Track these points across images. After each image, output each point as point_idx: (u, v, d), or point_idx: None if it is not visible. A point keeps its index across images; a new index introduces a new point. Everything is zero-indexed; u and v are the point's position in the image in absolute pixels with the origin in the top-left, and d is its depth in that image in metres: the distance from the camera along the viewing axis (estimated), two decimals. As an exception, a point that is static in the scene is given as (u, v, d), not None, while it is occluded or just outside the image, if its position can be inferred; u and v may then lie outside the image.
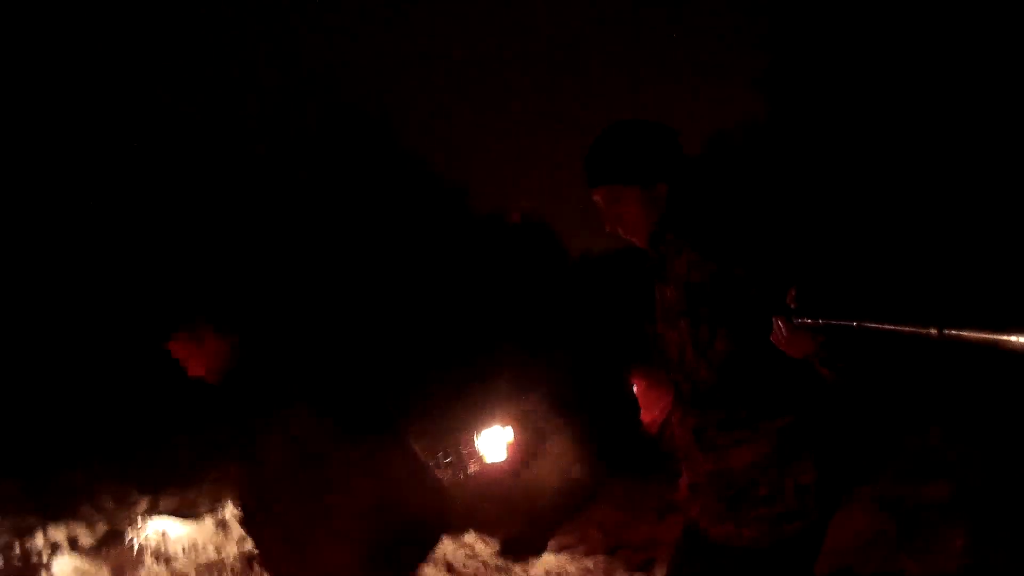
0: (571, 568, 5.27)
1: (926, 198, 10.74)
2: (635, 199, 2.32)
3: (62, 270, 14.55)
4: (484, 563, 5.52)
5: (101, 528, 6.46)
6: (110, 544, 5.98)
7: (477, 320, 12.65)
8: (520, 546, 5.71)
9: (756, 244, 2.19)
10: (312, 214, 19.17)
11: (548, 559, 5.45)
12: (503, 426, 6.94)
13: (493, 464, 6.83)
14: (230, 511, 6.53)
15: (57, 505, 7.06)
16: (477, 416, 7.05)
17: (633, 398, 2.79)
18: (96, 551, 5.94)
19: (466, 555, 5.62)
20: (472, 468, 6.81)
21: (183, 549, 5.74)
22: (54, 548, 6.07)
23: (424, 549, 3.26)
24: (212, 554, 5.82)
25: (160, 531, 5.81)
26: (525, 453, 6.86)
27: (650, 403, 2.67)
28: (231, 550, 5.88)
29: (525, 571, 5.36)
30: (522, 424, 7.02)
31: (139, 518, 6.10)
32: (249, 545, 6.03)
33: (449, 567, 5.42)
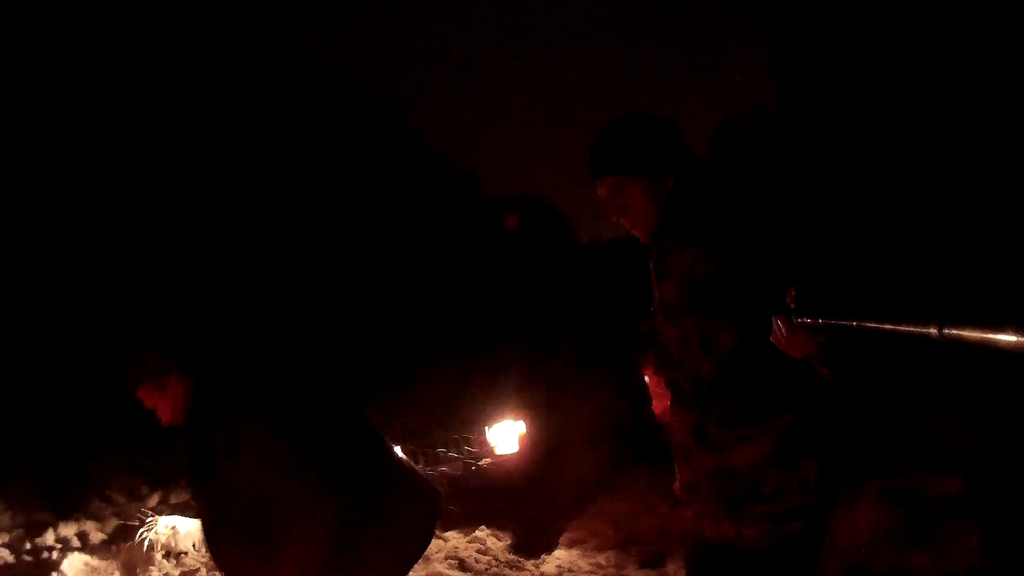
0: (582, 563, 5.25)
1: (926, 197, 10.69)
2: (641, 190, 2.32)
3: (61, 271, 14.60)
4: (495, 559, 5.50)
5: (111, 524, 6.47)
6: (120, 540, 5.97)
7: (486, 310, 12.64)
8: (532, 541, 5.69)
9: (761, 239, 2.18)
10: (321, 206, 19.17)
11: (560, 554, 5.43)
12: (515, 419, 6.90)
13: (505, 457, 6.79)
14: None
15: (68, 500, 7.08)
16: (488, 409, 7.01)
17: (644, 388, 2.77)
18: (106, 548, 5.94)
19: (477, 551, 5.60)
20: (483, 462, 6.78)
21: (193, 545, 5.72)
22: (64, 545, 6.08)
23: None
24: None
25: (170, 527, 5.79)
26: (537, 446, 6.83)
27: (661, 393, 2.64)
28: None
29: (536, 567, 5.33)
30: (533, 416, 6.99)
31: (149, 513, 6.08)
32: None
33: (461, 563, 5.40)
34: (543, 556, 5.47)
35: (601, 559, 5.25)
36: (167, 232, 16.61)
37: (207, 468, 2.74)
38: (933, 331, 1.45)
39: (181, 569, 5.51)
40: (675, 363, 2.34)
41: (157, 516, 5.98)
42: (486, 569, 5.34)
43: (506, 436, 6.87)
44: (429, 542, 3.07)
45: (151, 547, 5.60)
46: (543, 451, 6.84)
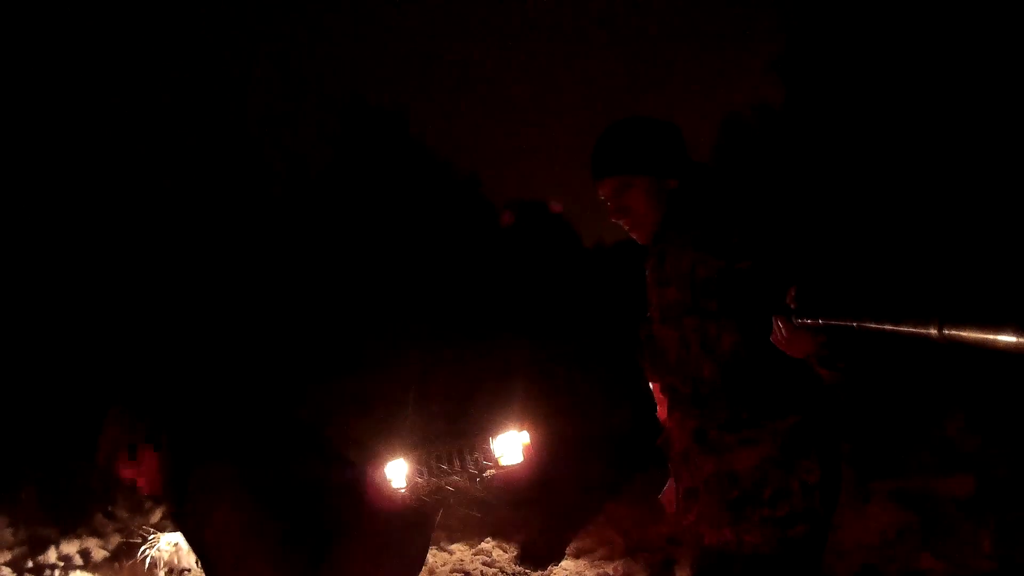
0: (590, 573, 5.23)
1: (927, 196, 10.66)
2: (643, 191, 2.33)
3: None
4: (502, 570, 5.47)
5: (114, 541, 6.43)
6: (123, 558, 5.94)
7: (488, 316, 12.61)
8: (538, 552, 5.65)
9: (762, 240, 2.18)
10: (322, 211, 19.18)
11: (567, 565, 5.39)
12: (519, 429, 6.84)
13: (509, 467, 6.73)
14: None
15: (71, 516, 7.05)
16: (491, 419, 6.96)
17: (649, 393, 2.74)
18: (109, 565, 5.93)
19: (483, 563, 5.56)
20: (488, 473, 6.72)
21: (196, 562, 5.68)
22: (67, 562, 6.05)
23: None
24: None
25: (173, 544, 5.76)
26: (541, 455, 6.77)
27: (663, 398, 2.61)
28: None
29: (543, 578, 5.29)
30: (537, 425, 6.93)
31: (152, 530, 6.05)
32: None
33: (466, 575, 5.36)
34: (550, 567, 5.43)
35: (609, 568, 5.21)
36: (166, 238, 16.63)
37: (184, 519, 2.80)
38: (933, 331, 1.45)
39: (184, 586, 5.49)
40: (673, 367, 2.34)
41: (160, 533, 5.95)
42: (492, 580, 5.31)
43: (510, 446, 6.79)
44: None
45: (154, 564, 5.57)
46: (548, 460, 6.77)
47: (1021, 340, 1.27)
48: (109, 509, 7.34)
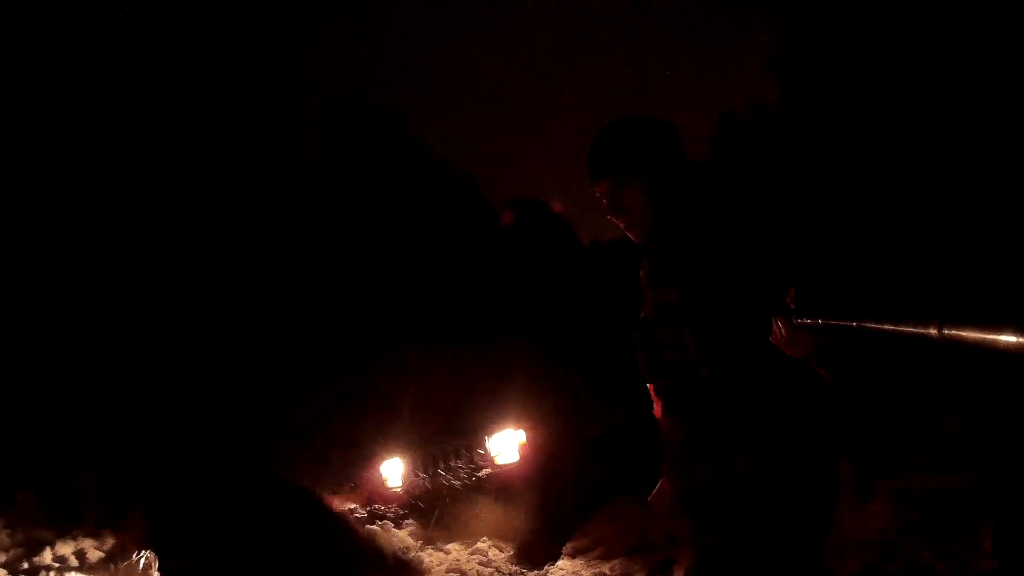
0: (587, 573, 5.21)
1: (926, 196, 10.65)
2: (639, 192, 2.30)
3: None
4: (498, 570, 5.45)
5: (109, 542, 6.41)
6: (118, 559, 5.92)
7: (486, 316, 12.60)
8: (535, 551, 5.64)
9: (761, 240, 2.16)
10: (320, 213, 19.17)
11: (564, 564, 5.38)
12: (515, 428, 6.85)
13: (505, 466, 6.74)
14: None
15: (67, 515, 7.03)
16: (488, 418, 6.96)
17: (646, 393, 2.73)
18: (104, 566, 5.90)
19: (480, 563, 5.55)
20: (484, 472, 6.72)
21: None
22: (63, 564, 6.03)
23: None
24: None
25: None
26: (538, 454, 6.77)
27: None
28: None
29: (540, 578, 5.28)
30: (534, 425, 6.93)
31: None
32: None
33: (462, 575, 5.34)
34: (547, 566, 5.42)
35: (606, 568, 5.19)
36: (166, 238, 16.63)
37: None
38: (933, 331, 1.42)
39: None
40: (669, 369, 2.31)
41: (155, 534, 5.94)
42: (488, 581, 5.30)
43: (507, 445, 6.81)
44: None
45: (148, 565, 5.56)
46: (544, 459, 6.78)
47: (1021, 340, 1.24)
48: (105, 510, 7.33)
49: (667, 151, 2.32)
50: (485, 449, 6.82)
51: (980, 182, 10.13)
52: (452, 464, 6.85)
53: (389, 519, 6.39)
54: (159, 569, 5.49)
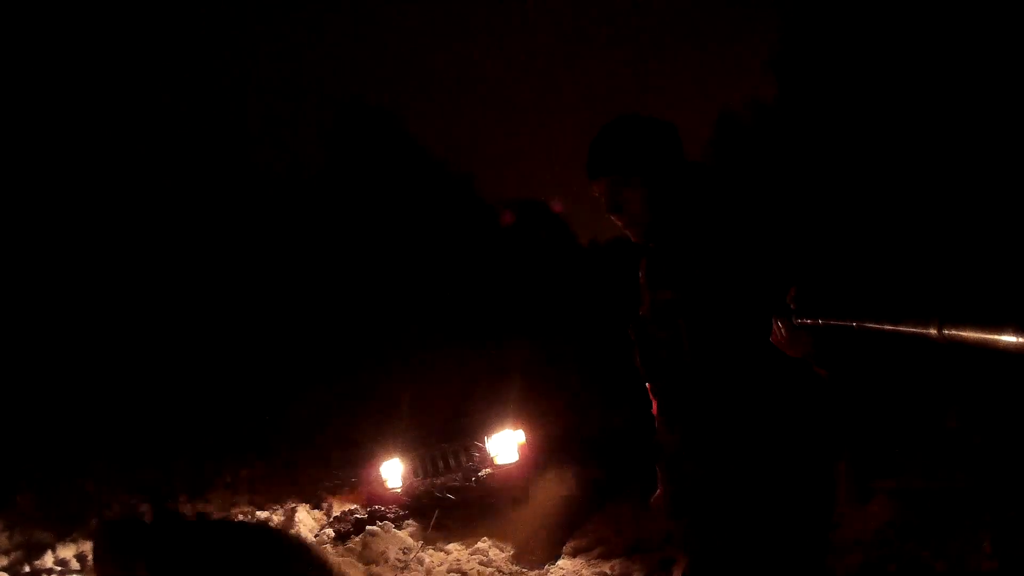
0: (587, 573, 5.20)
1: (926, 195, 10.66)
2: (638, 191, 2.30)
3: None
4: (498, 570, 5.44)
5: (111, 544, 6.40)
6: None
7: (484, 315, 12.61)
8: (535, 551, 5.63)
9: (760, 240, 2.16)
10: (319, 214, 19.16)
11: (564, 564, 5.38)
12: (514, 428, 6.85)
13: (505, 467, 6.74)
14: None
15: (67, 518, 7.03)
16: (486, 418, 6.96)
17: (646, 392, 2.74)
18: (104, 569, 5.88)
19: (480, 563, 5.54)
20: (483, 472, 6.72)
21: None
22: (64, 567, 6.02)
23: None
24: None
25: (168, 547, 5.73)
26: (537, 454, 6.77)
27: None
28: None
29: (540, 578, 5.27)
30: (533, 424, 6.94)
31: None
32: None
33: (463, 575, 5.33)
34: (547, 566, 5.42)
35: (606, 567, 5.19)
36: (166, 238, 16.62)
37: None
38: (933, 331, 1.43)
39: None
40: (666, 368, 2.32)
41: (155, 536, 5.92)
42: (488, 581, 5.29)
43: (506, 445, 6.81)
44: None
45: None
46: (544, 459, 6.78)
47: (1021, 340, 1.25)
48: (105, 513, 7.32)
49: (666, 151, 2.32)
50: (484, 449, 6.82)
51: (980, 182, 10.14)
52: (452, 464, 6.85)
53: (389, 520, 6.39)
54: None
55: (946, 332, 1.39)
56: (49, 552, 6.19)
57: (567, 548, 5.58)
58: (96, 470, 8.67)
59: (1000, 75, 11.01)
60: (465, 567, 5.48)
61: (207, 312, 15.15)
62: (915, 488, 5.11)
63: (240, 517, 6.63)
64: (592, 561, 5.33)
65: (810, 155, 13.23)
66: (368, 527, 6.18)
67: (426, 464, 6.93)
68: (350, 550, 5.93)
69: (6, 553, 6.32)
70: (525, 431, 6.85)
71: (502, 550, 5.77)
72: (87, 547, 6.33)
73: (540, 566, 5.42)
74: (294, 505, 6.96)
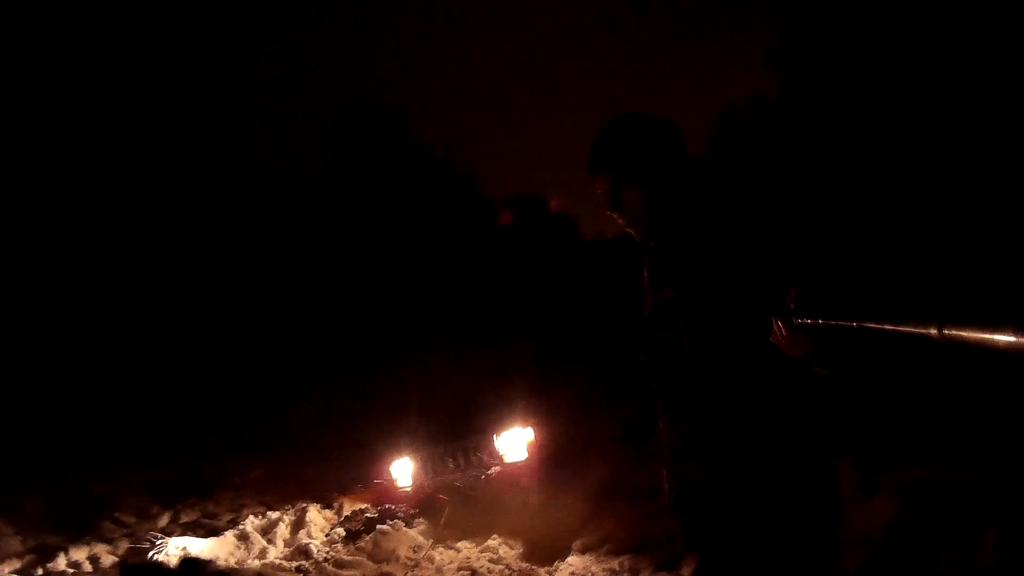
0: (596, 569, 5.21)
1: (926, 195, 10.63)
2: (638, 189, 2.31)
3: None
4: (508, 567, 5.47)
5: (122, 546, 6.45)
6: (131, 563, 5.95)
7: (490, 314, 12.61)
8: (544, 548, 5.66)
9: (760, 239, 2.16)
10: (322, 214, 19.15)
11: (573, 560, 5.39)
12: (523, 426, 6.86)
13: (514, 464, 6.75)
14: (251, 523, 6.52)
15: (78, 522, 7.07)
16: (495, 416, 6.97)
17: (652, 390, 2.75)
18: (117, 570, 5.92)
19: (490, 560, 5.57)
20: (493, 470, 6.74)
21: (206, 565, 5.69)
22: (76, 569, 6.06)
23: None
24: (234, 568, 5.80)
25: (181, 548, 5.78)
26: (546, 452, 6.79)
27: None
28: (253, 563, 5.84)
29: (550, 574, 5.30)
30: (541, 422, 6.95)
31: (159, 535, 6.08)
32: (270, 556, 6.02)
33: (473, 573, 5.36)
34: (556, 563, 5.43)
35: (615, 564, 5.20)
36: (168, 238, 16.63)
37: None
38: (933, 331, 1.42)
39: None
40: (667, 368, 2.32)
41: (167, 537, 5.98)
42: (499, 578, 5.32)
43: (515, 443, 6.82)
44: None
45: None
46: (553, 457, 6.80)
47: (1021, 340, 1.25)
48: (116, 515, 7.36)
49: (666, 149, 2.32)
50: (493, 447, 6.83)
51: (980, 182, 10.12)
52: (461, 463, 6.87)
53: (400, 518, 6.42)
54: None
55: (946, 332, 1.38)
56: (61, 555, 6.23)
57: (576, 545, 5.59)
58: (105, 473, 8.71)
59: (1001, 75, 10.99)
60: (475, 565, 5.51)
61: (213, 313, 15.17)
62: (920, 483, 5.10)
63: (250, 518, 6.66)
64: (601, 558, 5.34)
65: (811, 152, 13.20)
66: (379, 526, 6.21)
67: (436, 463, 6.95)
68: (361, 549, 5.96)
69: (19, 557, 6.36)
70: (534, 429, 6.87)
71: (512, 547, 5.79)
72: (99, 549, 6.38)
73: (550, 563, 5.44)
74: (304, 505, 7.00)
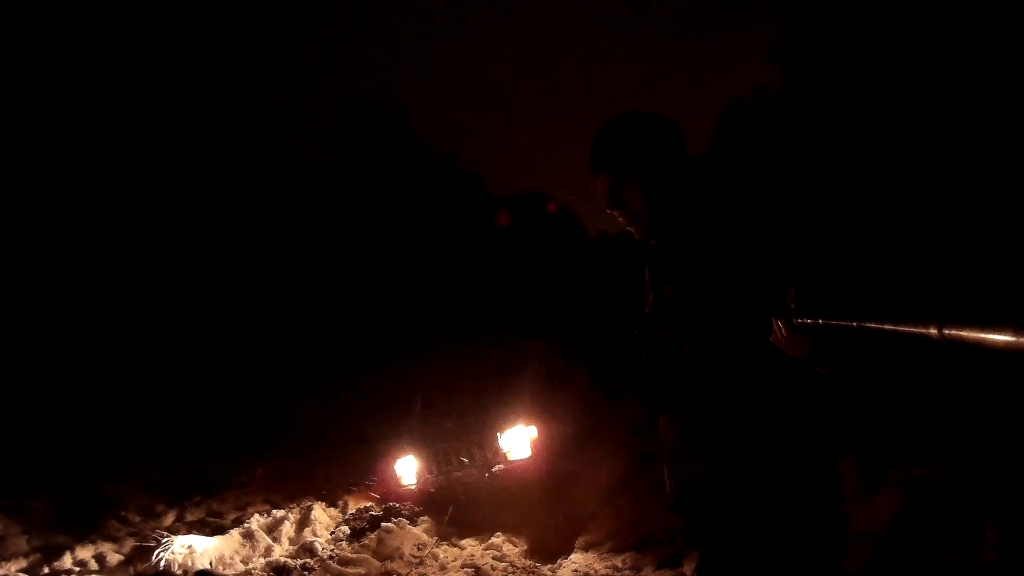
0: (599, 566, 5.23)
1: (926, 195, 10.62)
2: (639, 187, 2.31)
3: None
4: (512, 564, 5.49)
5: (128, 545, 6.47)
6: (137, 561, 5.98)
7: (494, 311, 12.60)
8: (548, 545, 5.69)
9: (760, 239, 2.15)
10: (327, 214, 19.16)
11: (576, 558, 5.41)
12: (526, 424, 6.87)
13: (517, 462, 6.76)
14: (256, 521, 6.54)
15: (84, 522, 7.09)
16: (499, 414, 6.98)
17: (654, 388, 2.76)
18: (124, 569, 5.95)
19: (493, 557, 5.59)
20: (496, 468, 6.74)
21: (210, 563, 5.72)
22: (83, 568, 6.08)
23: None
24: (239, 566, 5.82)
25: (187, 546, 5.80)
26: (549, 450, 6.80)
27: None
28: (258, 562, 5.87)
29: (553, 572, 5.33)
30: (545, 420, 6.96)
31: (165, 534, 6.10)
32: (275, 555, 6.04)
33: (477, 571, 5.38)
34: (560, 560, 5.45)
35: (618, 561, 5.22)
36: (171, 238, 16.64)
37: None
38: (933, 331, 1.41)
39: (198, 588, 5.52)
40: (667, 366, 2.32)
41: (173, 536, 6.00)
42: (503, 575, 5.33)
43: (519, 441, 6.83)
44: None
45: (168, 567, 5.60)
46: (556, 454, 6.81)
47: (1020, 340, 1.24)
48: (122, 514, 7.39)
49: (667, 148, 2.33)
50: (497, 445, 6.84)
51: (980, 181, 10.11)
52: (465, 461, 6.88)
53: (404, 516, 6.44)
54: None
55: (946, 332, 1.38)
56: (67, 553, 6.25)
57: (579, 542, 5.61)
58: (111, 472, 8.73)
59: (1001, 75, 10.98)
60: (479, 562, 5.53)
61: (218, 313, 15.19)
62: (921, 481, 5.11)
63: (256, 516, 6.68)
64: (604, 555, 5.36)
65: (815, 148, 13.19)
66: (383, 524, 6.23)
67: (440, 460, 6.97)
68: (365, 547, 5.98)
69: (25, 556, 6.38)
70: (538, 427, 6.87)
71: (516, 545, 5.82)
72: (105, 548, 6.41)
73: (553, 560, 5.46)
74: (310, 503, 7.02)
